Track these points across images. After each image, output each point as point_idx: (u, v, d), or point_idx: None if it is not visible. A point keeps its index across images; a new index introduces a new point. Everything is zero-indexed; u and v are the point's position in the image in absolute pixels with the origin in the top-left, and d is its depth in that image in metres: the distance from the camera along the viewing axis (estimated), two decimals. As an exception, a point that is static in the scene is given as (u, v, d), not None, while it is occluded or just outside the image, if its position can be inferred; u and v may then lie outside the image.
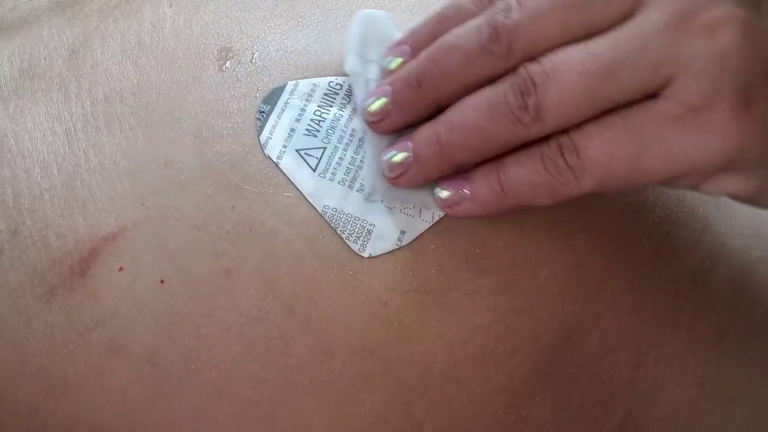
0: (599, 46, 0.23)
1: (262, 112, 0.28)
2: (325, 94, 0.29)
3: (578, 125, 0.23)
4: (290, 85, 0.29)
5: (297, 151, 0.28)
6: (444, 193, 0.26)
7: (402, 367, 0.26)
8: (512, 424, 0.27)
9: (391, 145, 0.27)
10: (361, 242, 0.27)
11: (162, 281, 0.26)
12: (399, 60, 0.27)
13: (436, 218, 0.27)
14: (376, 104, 0.27)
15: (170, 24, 0.31)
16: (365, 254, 0.26)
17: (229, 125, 0.28)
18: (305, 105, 0.29)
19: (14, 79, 0.30)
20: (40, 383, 0.26)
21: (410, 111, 0.26)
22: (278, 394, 0.26)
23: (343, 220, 0.27)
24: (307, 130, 0.28)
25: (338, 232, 0.27)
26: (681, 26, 0.22)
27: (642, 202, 0.30)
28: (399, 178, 0.26)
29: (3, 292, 0.26)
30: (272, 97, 0.28)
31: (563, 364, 0.28)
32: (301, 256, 0.26)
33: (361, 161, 0.28)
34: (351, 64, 0.28)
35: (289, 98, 0.28)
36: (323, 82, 0.29)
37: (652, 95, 0.23)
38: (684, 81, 0.22)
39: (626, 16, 0.23)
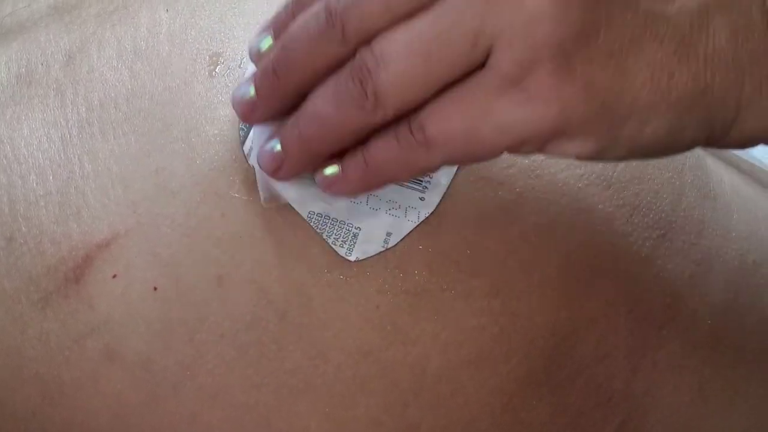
0: (420, 23, 0.22)
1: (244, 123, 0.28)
2: None
3: (422, 105, 0.23)
4: None
5: None
6: (321, 173, 0.26)
7: (396, 369, 0.26)
8: (509, 426, 0.28)
9: (265, 140, 0.26)
10: (347, 246, 0.27)
11: (155, 288, 0.26)
12: (269, 40, 0.26)
13: (422, 218, 0.27)
14: (239, 94, 0.26)
15: (165, 29, 0.31)
16: (352, 258, 0.26)
17: (217, 132, 0.28)
18: None
19: (11, 86, 0.30)
20: (37, 388, 0.26)
21: (271, 100, 0.26)
22: (273, 399, 0.26)
23: (329, 225, 0.27)
24: None
25: (324, 237, 0.27)
26: None
27: (637, 205, 0.30)
28: (275, 173, 0.26)
29: None
30: None
31: (559, 367, 0.28)
32: (290, 262, 0.26)
33: None
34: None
35: None
36: None
37: (481, 66, 0.23)
38: (500, 51, 0.21)
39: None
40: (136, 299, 0.26)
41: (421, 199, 0.27)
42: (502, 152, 0.23)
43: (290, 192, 0.27)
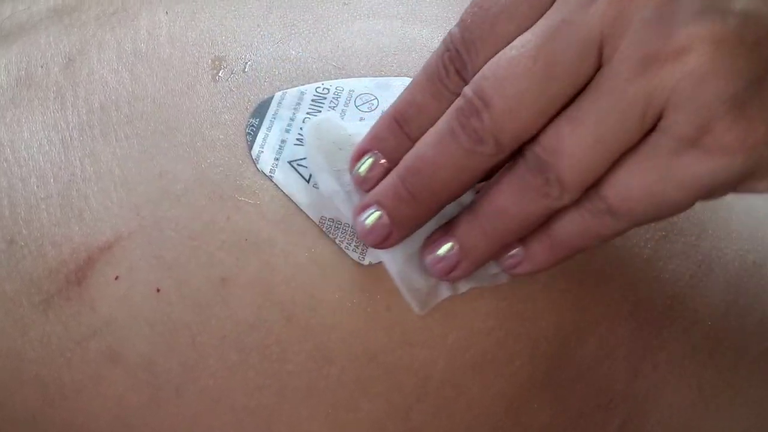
0: (584, 113, 0.22)
1: (252, 125, 0.28)
2: (312, 101, 0.29)
3: (604, 177, 0.23)
4: (278, 96, 0.29)
5: (289, 162, 0.28)
6: (505, 259, 0.26)
7: (401, 372, 0.26)
8: (510, 429, 0.27)
9: (430, 245, 0.26)
10: (360, 251, 0.27)
11: (158, 290, 0.26)
12: (369, 161, 0.26)
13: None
14: (371, 219, 0.25)
15: (166, 31, 0.31)
16: (365, 262, 0.26)
17: (222, 136, 0.28)
18: (294, 114, 0.28)
19: (11, 88, 0.30)
20: (37, 391, 0.26)
21: (413, 226, 0.26)
22: (275, 402, 0.26)
23: (341, 230, 0.27)
24: (297, 140, 0.28)
25: (337, 242, 0.27)
26: (650, 65, 0.21)
27: None
28: (451, 273, 0.26)
29: (0, 301, 0.26)
30: (261, 110, 0.28)
31: (561, 369, 0.28)
32: (299, 263, 0.26)
33: None
34: (325, 183, 0.27)
35: (277, 109, 0.28)
36: (310, 88, 0.29)
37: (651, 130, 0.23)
38: (672, 114, 0.22)
39: (591, 78, 0.23)
40: (139, 301, 0.26)
41: None
42: (691, 206, 0.23)
43: (302, 197, 0.27)
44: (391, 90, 0.29)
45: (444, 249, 0.26)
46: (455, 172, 0.24)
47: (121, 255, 0.26)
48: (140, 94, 0.29)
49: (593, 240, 0.24)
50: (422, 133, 0.25)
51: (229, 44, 0.30)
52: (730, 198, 0.33)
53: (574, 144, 0.22)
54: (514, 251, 0.25)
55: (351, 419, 0.26)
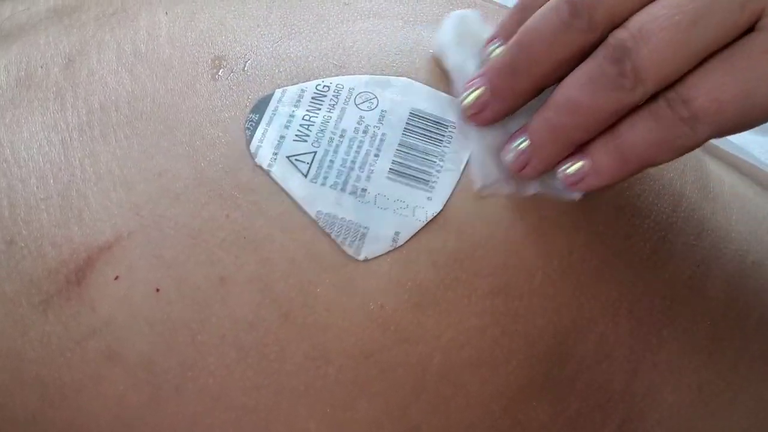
0: None
1: (251, 121, 0.28)
2: (313, 98, 0.29)
3: (682, 78, 0.23)
4: (278, 92, 0.29)
5: (288, 157, 0.28)
6: (570, 170, 0.26)
7: (398, 370, 0.26)
8: (509, 428, 0.27)
9: (509, 139, 0.27)
10: (356, 246, 0.27)
11: (157, 289, 0.26)
12: (498, 48, 0.28)
13: (429, 217, 0.27)
14: (473, 95, 0.27)
15: (165, 32, 0.31)
16: (360, 257, 0.26)
17: (222, 134, 0.28)
18: (294, 111, 0.29)
19: (11, 89, 0.30)
20: (37, 391, 0.26)
21: (509, 98, 0.27)
22: (274, 401, 0.26)
23: (337, 224, 0.27)
24: (296, 135, 0.28)
25: (333, 236, 0.27)
26: None
27: (638, 207, 0.30)
28: (523, 169, 0.27)
29: (0, 301, 0.26)
30: (261, 106, 0.29)
31: (560, 368, 0.28)
32: (296, 261, 0.26)
33: (352, 162, 0.28)
34: (453, 59, 0.29)
35: (277, 105, 0.29)
36: (310, 86, 0.29)
37: (747, 31, 0.22)
38: None
39: None
40: (139, 301, 0.26)
41: (429, 198, 0.27)
42: None
43: (299, 192, 0.27)
44: (391, 89, 0.29)
45: (517, 143, 0.27)
46: (551, 44, 0.25)
47: (121, 255, 0.26)
48: (140, 94, 0.29)
49: (665, 152, 0.24)
50: None
51: (228, 44, 0.30)
52: (729, 198, 0.33)
53: (662, 26, 0.22)
54: (576, 165, 0.26)
55: (349, 418, 0.26)
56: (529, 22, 0.26)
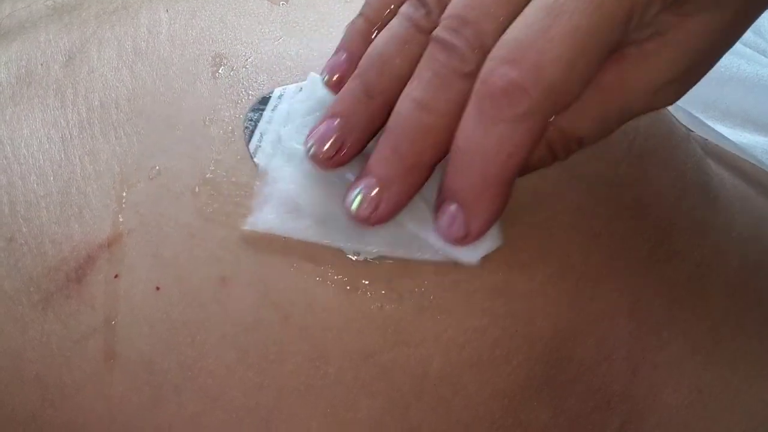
0: None
1: (251, 120, 0.28)
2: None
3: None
4: (277, 91, 0.29)
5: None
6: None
7: (398, 371, 0.26)
8: (509, 428, 0.27)
9: (348, 189, 0.25)
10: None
11: (158, 288, 0.26)
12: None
13: None
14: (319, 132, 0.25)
15: (166, 29, 0.31)
16: (360, 259, 0.26)
17: (222, 133, 0.28)
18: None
19: (11, 86, 0.30)
20: (37, 391, 0.26)
21: (367, 127, 0.25)
22: (274, 401, 0.26)
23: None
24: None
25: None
26: None
27: (638, 207, 0.30)
28: (372, 218, 0.24)
29: None
30: (260, 105, 0.28)
31: (560, 369, 0.28)
32: (295, 263, 0.26)
33: None
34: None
35: (277, 104, 0.28)
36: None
37: None
38: None
39: None
40: (139, 300, 0.26)
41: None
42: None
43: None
44: None
45: (358, 188, 0.24)
46: (394, 43, 0.24)
47: (121, 253, 0.26)
48: (140, 91, 0.29)
49: (497, 154, 0.22)
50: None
51: (229, 42, 0.30)
52: (730, 198, 0.33)
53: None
54: (449, 209, 0.24)
55: (350, 418, 0.26)
56: (376, 44, 0.25)
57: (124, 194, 0.27)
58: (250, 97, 0.29)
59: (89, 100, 0.29)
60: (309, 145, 0.26)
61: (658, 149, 0.31)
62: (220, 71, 0.29)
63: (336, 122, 0.25)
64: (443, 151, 0.24)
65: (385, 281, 0.26)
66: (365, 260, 0.26)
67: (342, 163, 0.26)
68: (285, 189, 0.26)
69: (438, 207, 0.24)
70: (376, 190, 0.24)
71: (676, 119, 0.35)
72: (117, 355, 0.26)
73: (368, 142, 0.26)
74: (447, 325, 0.26)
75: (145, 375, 0.26)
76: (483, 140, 0.22)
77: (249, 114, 0.28)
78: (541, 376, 0.27)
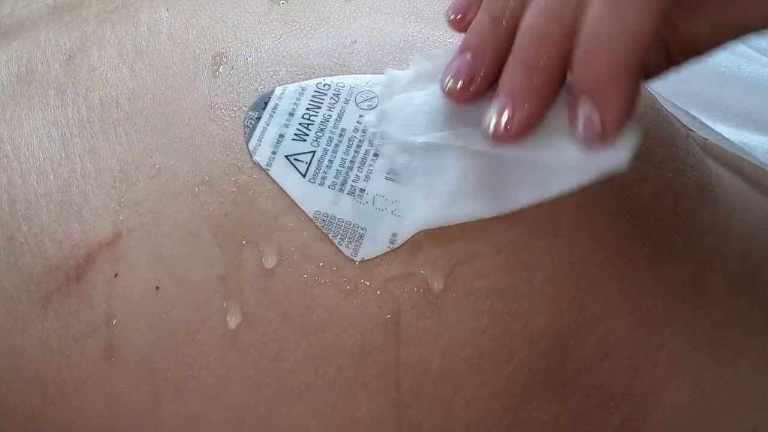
0: None
1: (251, 119, 0.28)
2: (313, 96, 0.29)
3: None
4: (278, 90, 0.29)
5: (286, 157, 0.28)
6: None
7: (398, 370, 0.26)
8: (510, 427, 0.27)
9: (483, 114, 0.25)
10: (353, 246, 0.27)
11: (157, 288, 0.26)
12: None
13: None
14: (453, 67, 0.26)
15: (166, 28, 0.31)
16: (357, 258, 0.26)
17: (221, 132, 0.28)
18: (293, 109, 0.28)
19: (11, 85, 0.30)
20: (37, 389, 0.26)
21: (498, 54, 0.26)
22: (274, 400, 0.26)
23: (334, 225, 0.27)
24: (295, 134, 0.28)
25: (330, 237, 0.27)
26: None
27: (638, 206, 0.30)
28: (510, 134, 0.24)
29: None
30: (260, 104, 0.28)
31: (561, 368, 0.28)
32: (294, 260, 0.26)
33: (351, 161, 0.28)
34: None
35: (277, 103, 0.28)
36: (311, 84, 0.29)
37: None
38: None
39: None
40: (138, 299, 0.26)
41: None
42: None
43: (296, 192, 0.27)
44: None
45: (494, 108, 0.25)
46: None
47: (121, 252, 0.26)
48: (140, 90, 0.29)
49: (628, 37, 0.22)
50: None
51: (229, 41, 0.30)
52: (730, 198, 0.33)
53: None
54: (582, 109, 0.24)
55: (350, 417, 0.26)
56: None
57: (124, 193, 0.27)
58: (249, 96, 0.29)
59: (89, 99, 0.29)
60: (445, 81, 0.26)
61: (658, 149, 0.31)
62: (220, 70, 0.29)
63: (468, 55, 0.26)
64: (570, 58, 0.24)
65: (385, 281, 0.26)
66: (362, 260, 0.26)
67: (478, 95, 0.26)
68: (426, 181, 0.27)
69: (571, 110, 0.24)
70: (510, 105, 0.25)
71: (676, 119, 0.35)
72: (117, 354, 0.26)
73: (501, 70, 0.26)
74: (447, 325, 0.26)
75: (144, 373, 0.26)
76: (609, 27, 0.22)
77: (249, 113, 0.28)
78: (542, 375, 0.27)
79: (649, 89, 0.35)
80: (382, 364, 0.26)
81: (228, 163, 0.27)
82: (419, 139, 0.27)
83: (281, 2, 0.31)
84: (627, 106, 0.23)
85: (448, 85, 0.26)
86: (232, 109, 0.28)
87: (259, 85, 0.29)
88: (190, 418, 0.26)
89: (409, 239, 0.27)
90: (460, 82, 0.26)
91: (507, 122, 0.24)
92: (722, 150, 0.39)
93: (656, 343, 0.29)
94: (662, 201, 0.30)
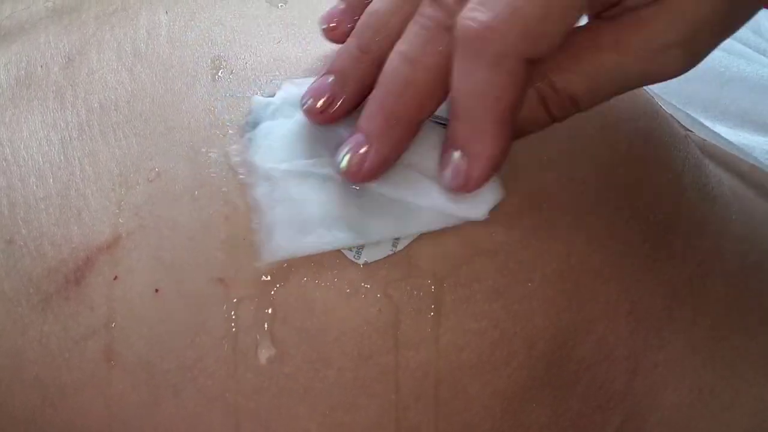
0: None
1: (249, 122, 0.28)
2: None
3: None
4: (278, 93, 0.29)
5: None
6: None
7: (397, 373, 0.26)
8: (509, 429, 0.27)
9: (339, 148, 0.25)
10: (356, 250, 0.26)
11: (156, 290, 0.26)
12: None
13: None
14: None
15: (165, 31, 0.31)
16: (360, 262, 0.26)
17: (221, 135, 0.28)
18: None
19: (11, 88, 0.30)
20: (37, 391, 0.26)
21: (360, 83, 0.26)
22: (273, 403, 0.26)
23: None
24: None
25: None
26: None
27: (637, 207, 0.30)
28: (361, 173, 0.25)
29: None
30: (260, 108, 0.28)
31: (560, 369, 0.28)
32: (295, 265, 0.26)
33: None
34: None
35: (277, 107, 0.28)
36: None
37: None
38: None
39: None
40: (138, 301, 0.26)
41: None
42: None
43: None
44: None
45: (349, 145, 0.25)
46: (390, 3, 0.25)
47: (120, 255, 0.26)
48: (139, 93, 0.29)
49: (494, 95, 0.22)
50: None
51: (228, 44, 0.30)
52: (729, 198, 0.33)
53: None
54: (451, 158, 0.24)
55: (349, 420, 0.26)
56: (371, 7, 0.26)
57: (124, 196, 0.27)
58: (249, 100, 0.29)
59: (89, 102, 0.29)
60: (305, 100, 0.26)
61: (657, 150, 0.31)
62: (219, 73, 0.29)
63: (331, 78, 0.26)
64: (430, 106, 0.24)
65: (384, 285, 0.26)
66: (365, 263, 0.26)
67: (335, 118, 0.26)
68: (286, 210, 0.26)
69: (441, 158, 0.24)
70: (364, 147, 0.25)
71: (675, 120, 0.35)
72: (116, 356, 0.26)
73: (363, 98, 0.26)
74: (446, 328, 0.26)
75: (144, 376, 0.26)
76: (468, 85, 0.22)
77: (248, 117, 0.28)
78: (541, 377, 0.27)
79: (648, 90, 0.35)
80: (382, 367, 0.26)
81: (228, 166, 0.27)
82: (282, 167, 0.27)
83: (280, 5, 0.31)
84: (492, 157, 0.23)
85: (307, 104, 0.26)
86: (232, 114, 0.28)
87: (259, 90, 0.29)
88: (189, 420, 0.26)
89: (409, 243, 0.27)
90: (319, 103, 0.26)
91: (359, 162, 0.25)
92: (721, 151, 0.39)
93: (655, 343, 0.29)
94: (661, 202, 0.30)
